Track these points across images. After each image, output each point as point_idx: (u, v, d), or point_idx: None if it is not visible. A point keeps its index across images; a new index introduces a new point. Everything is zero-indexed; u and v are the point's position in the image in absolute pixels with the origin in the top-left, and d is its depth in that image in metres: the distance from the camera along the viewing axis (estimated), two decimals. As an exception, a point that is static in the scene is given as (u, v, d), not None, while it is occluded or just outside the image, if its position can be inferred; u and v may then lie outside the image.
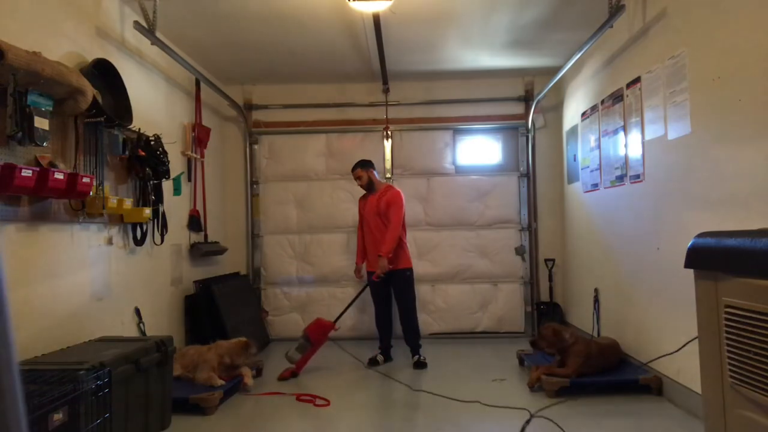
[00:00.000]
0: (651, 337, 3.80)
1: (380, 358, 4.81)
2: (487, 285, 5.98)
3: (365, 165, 4.89)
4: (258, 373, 4.38)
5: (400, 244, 4.78)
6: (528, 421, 3.15)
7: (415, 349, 4.77)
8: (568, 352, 3.82)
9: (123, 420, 2.72)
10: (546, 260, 6.01)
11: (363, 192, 5.01)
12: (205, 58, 5.19)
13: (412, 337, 4.78)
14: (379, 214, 4.76)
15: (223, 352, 3.85)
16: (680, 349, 2.59)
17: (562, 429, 3.02)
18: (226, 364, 3.84)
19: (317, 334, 4.55)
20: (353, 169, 4.91)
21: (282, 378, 4.32)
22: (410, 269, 4.83)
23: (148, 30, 3.85)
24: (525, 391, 3.84)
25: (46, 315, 2.92)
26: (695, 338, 1.95)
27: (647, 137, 3.78)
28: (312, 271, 6.04)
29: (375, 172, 4.94)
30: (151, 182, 3.94)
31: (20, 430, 0.52)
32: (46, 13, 3.02)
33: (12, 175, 2.42)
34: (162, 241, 4.21)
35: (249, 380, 3.94)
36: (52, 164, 2.88)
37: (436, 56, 5.29)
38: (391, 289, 4.87)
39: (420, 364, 4.65)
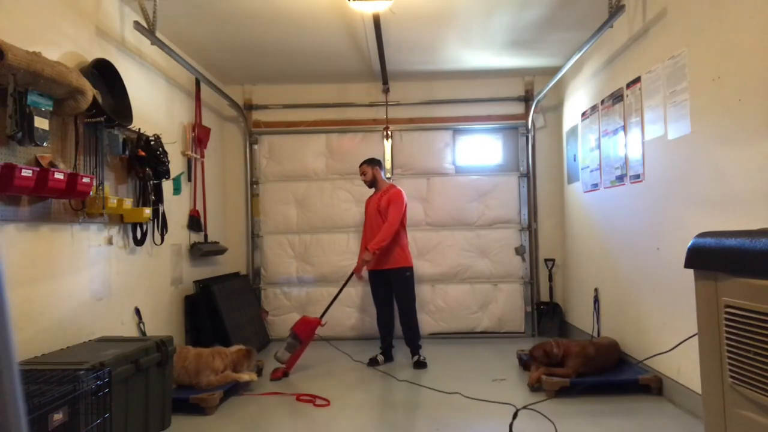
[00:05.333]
0: (651, 336, 3.80)
1: (380, 358, 4.81)
2: (487, 285, 5.98)
3: (372, 162, 4.98)
4: (258, 373, 4.38)
5: (400, 244, 4.78)
6: (515, 415, 3.14)
7: (414, 350, 4.77)
8: (565, 356, 3.84)
9: (123, 420, 2.72)
10: (546, 260, 6.01)
11: (369, 192, 5.07)
12: (205, 58, 5.19)
13: (412, 337, 4.78)
14: (380, 212, 4.79)
15: (227, 360, 3.83)
16: (675, 347, 2.59)
17: (551, 422, 3.02)
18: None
19: (305, 332, 4.59)
20: (360, 165, 5.00)
21: (274, 378, 4.33)
22: (410, 269, 4.83)
23: (148, 30, 3.85)
24: (525, 391, 3.85)
25: (46, 315, 2.92)
26: (691, 336, 1.95)
27: (647, 137, 3.78)
28: (312, 271, 6.04)
29: (381, 172, 5.02)
30: (151, 182, 3.94)
31: (20, 430, 0.52)
32: (46, 13, 3.02)
33: (12, 175, 2.42)
34: (162, 241, 4.21)
35: (247, 377, 3.92)
36: (52, 164, 2.88)
37: (436, 56, 5.29)
38: (391, 288, 4.86)
39: (420, 364, 4.65)
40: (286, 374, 4.42)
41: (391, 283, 4.83)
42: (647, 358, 3.42)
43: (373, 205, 4.87)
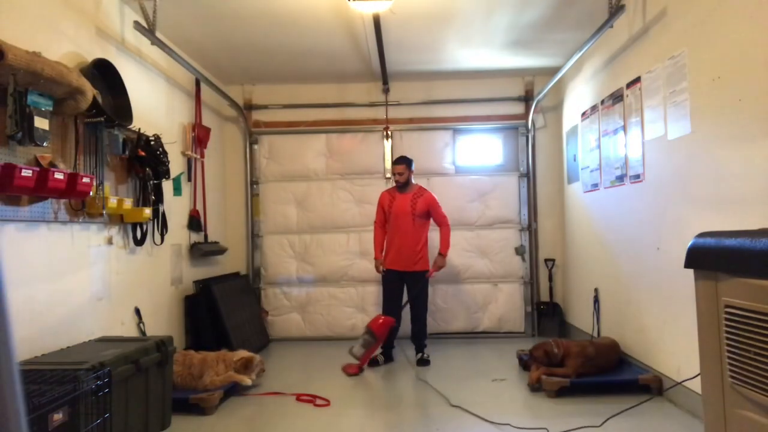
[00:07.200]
0: (651, 336, 3.80)
1: (380, 358, 4.81)
2: (487, 285, 5.98)
3: (411, 164, 4.90)
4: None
5: (428, 246, 4.86)
6: None
7: (420, 347, 4.82)
8: (565, 356, 3.84)
9: (123, 420, 2.72)
10: (546, 260, 6.01)
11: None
12: (205, 58, 5.19)
13: (421, 336, 4.83)
14: (414, 214, 4.79)
15: (231, 368, 3.82)
16: (697, 376, 2.48)
17: None
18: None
19: (381, 330, 4.65)
20: (397, 163, 4.87)
21: (351, 373, 4.44)
22: (428, 270, 4.89)
23: (148, 30, 3.85)
24: (525, 391, 3.85)
25: (46, 315, 2.92)
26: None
27: (647, 137, 3.78)
28: (312, 271, 6.03)
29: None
30: (151, 182, 3.94)
31: (20, 430, 0.52)
32: (46, 13, 3.02)
33: (12, 175, 2.42)
34: (162, 241, 4.21)
35: (249, 380, 3.91)
36: (52, 164, 2.88)
37: (436, 56, 5.29)
38: (403, 288, 4.89)
39: (423, 361, 4.70)
40: (361, 369, 4.52)
41: (407, 284, 4.86)
42: (675, 385, 3.39)
43: (403, 205, 4.82)
